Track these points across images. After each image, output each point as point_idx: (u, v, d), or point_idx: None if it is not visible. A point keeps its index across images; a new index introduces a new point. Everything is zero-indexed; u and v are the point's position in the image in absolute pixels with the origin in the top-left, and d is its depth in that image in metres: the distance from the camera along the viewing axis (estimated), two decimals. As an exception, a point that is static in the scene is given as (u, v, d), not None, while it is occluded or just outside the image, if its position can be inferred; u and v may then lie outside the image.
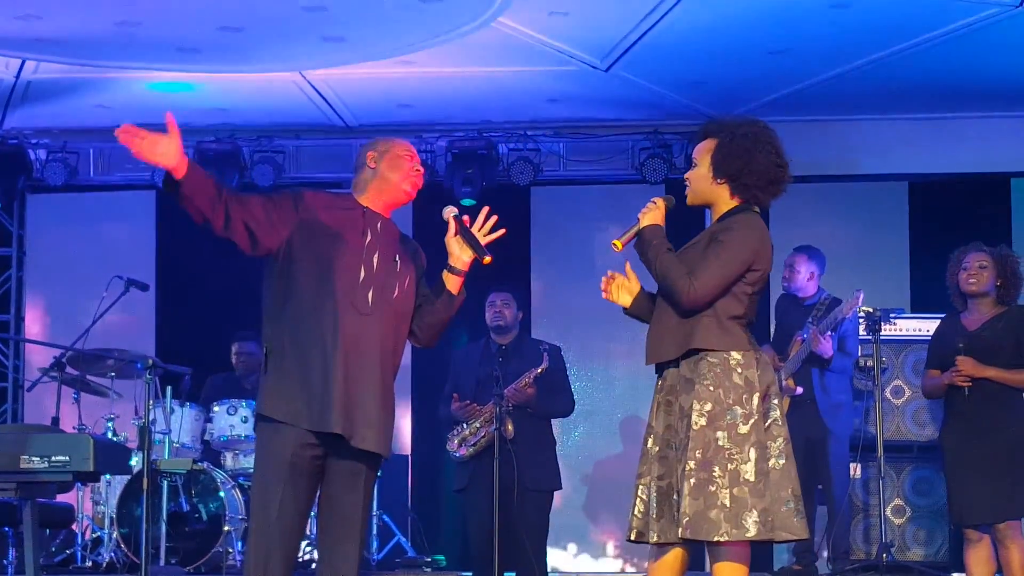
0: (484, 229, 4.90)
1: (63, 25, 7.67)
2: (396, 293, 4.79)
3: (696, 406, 4.31)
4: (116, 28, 7.63)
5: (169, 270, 9.90)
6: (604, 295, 4.71)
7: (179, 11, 7.46)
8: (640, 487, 4.44)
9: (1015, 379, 6.40)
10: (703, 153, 4.55)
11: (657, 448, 4.43)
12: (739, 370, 4.35)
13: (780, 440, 4.38)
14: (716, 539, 4.24)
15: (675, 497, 4.34)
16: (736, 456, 4.27)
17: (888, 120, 9.48)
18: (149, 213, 10.12)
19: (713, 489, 4.24)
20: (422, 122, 9.58)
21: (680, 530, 4.24)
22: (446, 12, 7.50)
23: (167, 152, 4.60)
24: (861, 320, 7.67)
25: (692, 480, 4.24)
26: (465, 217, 4.89)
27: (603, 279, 4.72)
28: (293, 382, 4.65)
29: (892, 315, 7.65)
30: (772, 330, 8.12)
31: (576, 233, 9.97)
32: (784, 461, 4.36)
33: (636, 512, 4.44)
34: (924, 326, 7.67)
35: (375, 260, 4.78)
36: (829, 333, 7.45)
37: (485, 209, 4.93)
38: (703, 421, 4.29)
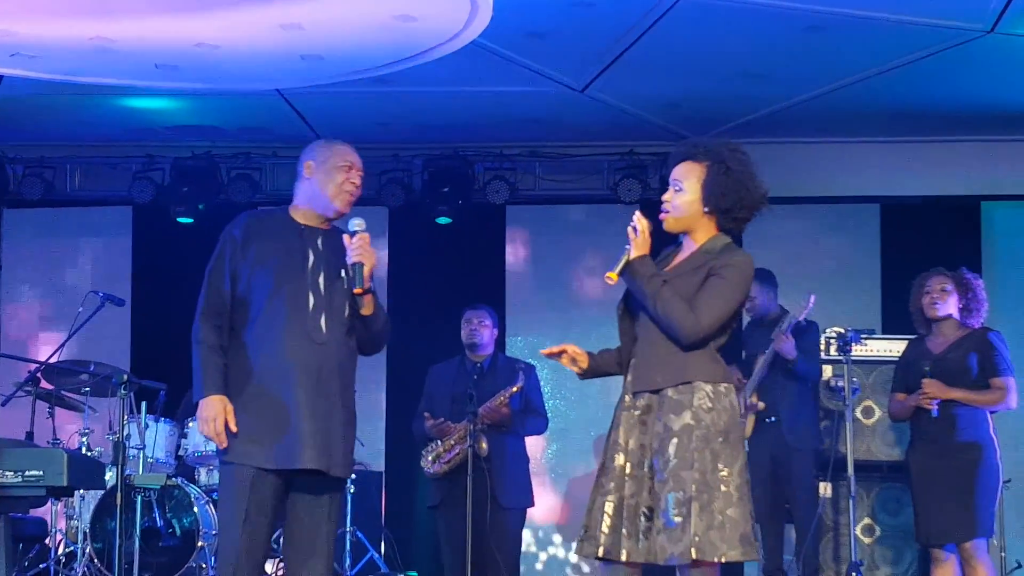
0: (355, 248, 4.74)
1: (39, 40, 7.67)
2: (348, 311, 4.77)
3: (695, 428, 4.30)
4: (92, 43, 7.64)
5: (145, 285, 9.90)
6: (547, 354, 4.61)
7: (156, 27, 7.48)
8: (607, 503, 4.39)
9: (980, 400, 6.48)
10: (689, 178, 4.46)
11: (630, 467, 4.40)
12: (726, 394, 4.38)
13: (743, 459, 4.41)
14: (716, 559, 4.24)
15: (642, 520, 4.34)
16: (729, 478, 4.29)
17: (861, 143, 9.56)
18: (125, 228, 10.12)
19: (712, 510, 4.25)
20: (399, 141, 9.62)
21: (693, 552, 4.20)
22: (423, 32, 7.53)
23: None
24: (832, 340, 7.73)
25: (697, 503, 4.23)
26: (365, 234, 4.77)
27: (553, 348, 4.59)
28: (254, 422, 4.65)
29: (863, 335, 7.70)
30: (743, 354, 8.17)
31: (551, 252, 10.01)
32: (746, 482, 4.40)
33: (604, 528, 4.38)
34: (895, 347, 7.72)
35: (321, 282, 4.74)
36: (789, 333, 7.50)
37: (359, 236, 4.77)
38: (701, 443, 4.29)
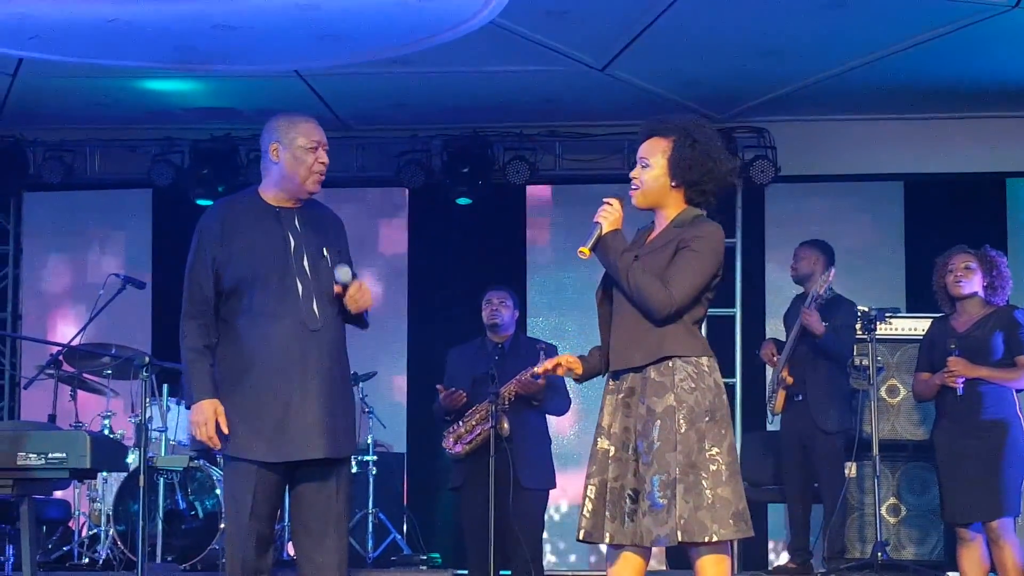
0: (354, 299, 4.69)
1: (58, 23, 7.67)
2: (336, 290, 4.71)
3: (678, 409, 4.29)
4: (111, 26, 7.63)
5: (165, 268, 9.88)
6: (541, 372, 4.69)
7: (174, 9, 7.46)
8: (590, 487, 4.41)
9: (1006, 377, 6.43)
10: (655, 153, 4.47)
11: (613, 449, 4.40)
12: (709, 372, 4.36)
13: (731, 436, 4.40)
14: (706, 539, 4.23)
15: (627, 502, 4.33)
16: (717, 457, 4.29)
17: (883, 120, 9.50)
18: (145, 211, 10.13)
19: (700, 490, 4.25)
20: (417, 121, 9.59)
21: (680, 534, 4.22)
22: (442, 11, 7.51)
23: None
24: (857, 318, 7.68)
25: (682, 485, 4.23)
26: (356, 283, 4.69)
27: (547, 364, 4.66)
28: (256, 416, 4.60)
29: (887, 314, 7.65)
30: (767, 328, 8.12)
31: (572, 231, 9.97)
32: (737, 459, 4.38)
33: (585, 512, 4.41)
34: (919, 325, 7.67)
35: (306, 265, 4.67)
36: (813, 307, 7.47)
37: (355, 287, 4.71)
38: (685, 424, 4.28)
